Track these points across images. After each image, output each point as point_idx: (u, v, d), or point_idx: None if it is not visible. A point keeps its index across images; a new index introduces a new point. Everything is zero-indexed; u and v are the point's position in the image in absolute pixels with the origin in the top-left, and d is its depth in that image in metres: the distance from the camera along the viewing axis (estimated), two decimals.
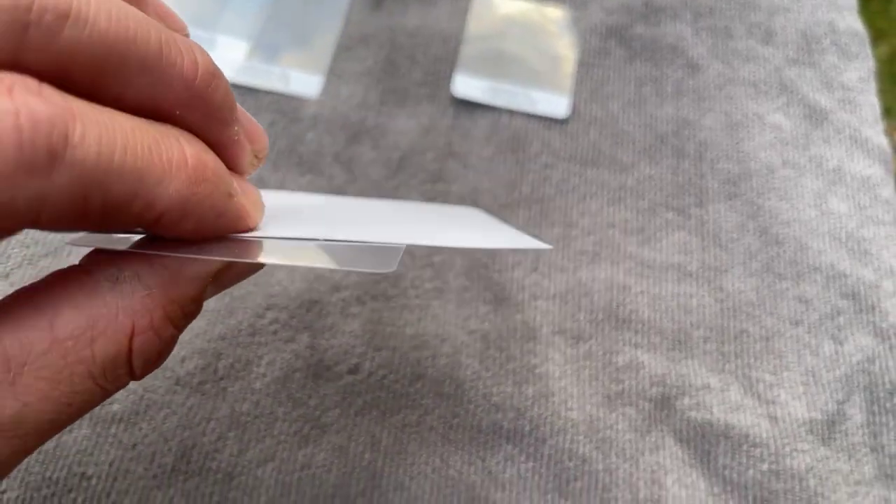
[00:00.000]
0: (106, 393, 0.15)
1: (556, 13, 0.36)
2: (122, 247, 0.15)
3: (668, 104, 0.34)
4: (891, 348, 0.29)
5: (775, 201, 0.32)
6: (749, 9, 0.37)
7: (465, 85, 0.33)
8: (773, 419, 0.27)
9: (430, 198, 0.30)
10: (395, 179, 0.31)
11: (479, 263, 0.29)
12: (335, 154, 0.31)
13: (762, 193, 0.32)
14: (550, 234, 0.30)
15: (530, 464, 0.25)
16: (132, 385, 0.25)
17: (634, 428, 0.26)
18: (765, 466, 0.26)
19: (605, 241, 0.30)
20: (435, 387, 0.26)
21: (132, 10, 0.14)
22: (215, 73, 0.15)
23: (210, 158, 0.15)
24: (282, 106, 0.32)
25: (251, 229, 0.16)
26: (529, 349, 0.28)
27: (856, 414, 0.27)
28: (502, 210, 0.30)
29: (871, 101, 0.35)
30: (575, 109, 0.33)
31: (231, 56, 0.32)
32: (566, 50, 0.34)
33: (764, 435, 0.27)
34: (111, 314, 0.14)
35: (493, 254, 0.29)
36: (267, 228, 0.17)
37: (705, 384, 0.27)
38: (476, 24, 0.35)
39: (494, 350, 0.27)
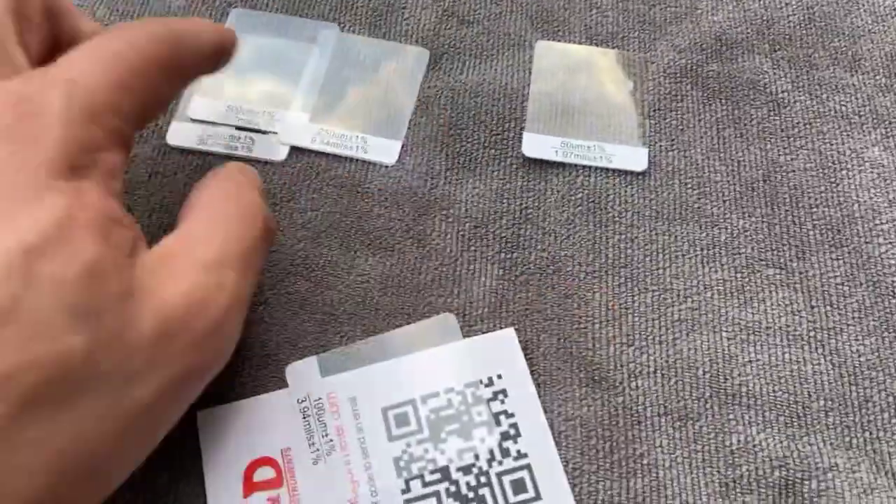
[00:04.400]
0: None
1: (625, 57, 0.33)
2: None
3: (754, 147, 0.31)
4: None
5: (885, 247, 0.29)
6: (829, 34, 0.35)
7: (535, 143, 0.31)
8: None
9: (508, 268, 0.28)
10: (469, 252, 0.29)
11: (570, 340, 0.27)
12: (405, 229, 0.29)
13: (869, 240, 0.29)
14: (643, 301, 0.28)
15: None
16: None
17: None
18: None
19: (702, 305, 0.28)
20: None
21: None
22: None
23: None
24: (345, 181, 0.30)
25: None
26: (634, 436, 0.25)
27: None
28: (588, 278, 0.28)
29: None
30: (653, 161, 0.31)
31: (299, 121, 0.31)
32: (639, 96, 0.32)
33: None
34: None
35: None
36: None
37: (832, 464, 0.25)
38: (540, 76, 0.33)
39: (597, 439, 0.25)
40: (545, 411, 0.26)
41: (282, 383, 0.26)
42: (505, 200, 0.30)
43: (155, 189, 0.30)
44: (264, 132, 0.31)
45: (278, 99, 0.32)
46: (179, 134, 0.31)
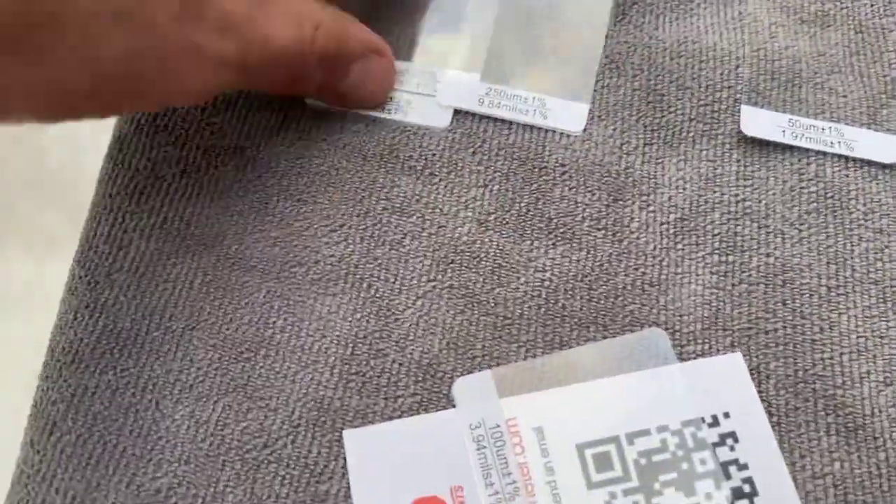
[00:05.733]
0: None
1: (857, 20, 0.27)
2: None
3: None
4: None
5: None
6: None
7: (756, 120, 0.25)
8: None
9: (724, 275, 0.23)
10: (675, 251, 0.23)
11: (811, 373, 0.21)
12: (595, 217, 0.24)
13: None
14: None
15: None
16: None
17: None
18: None
19: None
20: None
21: None
22: None
23: None
24: (518, 153, 0.25)
25: None
26: None
27: None
28: (830, 294, 0.22)
29: None
30: None
31: (464, 79, 0.25)
32: (879, 67, 0.26)
33: None
34: None
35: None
36: None
37: None
38: (756, 37, 0.26)
39: None
40: (788, 463, 0.20)
41: (447, 401, 0.21)
42: (717, 188, 0.24)
43: (294, 151, 0.25)
44: (422, 94, 0.25)
45: (436, 52, 0.26)
46: None
